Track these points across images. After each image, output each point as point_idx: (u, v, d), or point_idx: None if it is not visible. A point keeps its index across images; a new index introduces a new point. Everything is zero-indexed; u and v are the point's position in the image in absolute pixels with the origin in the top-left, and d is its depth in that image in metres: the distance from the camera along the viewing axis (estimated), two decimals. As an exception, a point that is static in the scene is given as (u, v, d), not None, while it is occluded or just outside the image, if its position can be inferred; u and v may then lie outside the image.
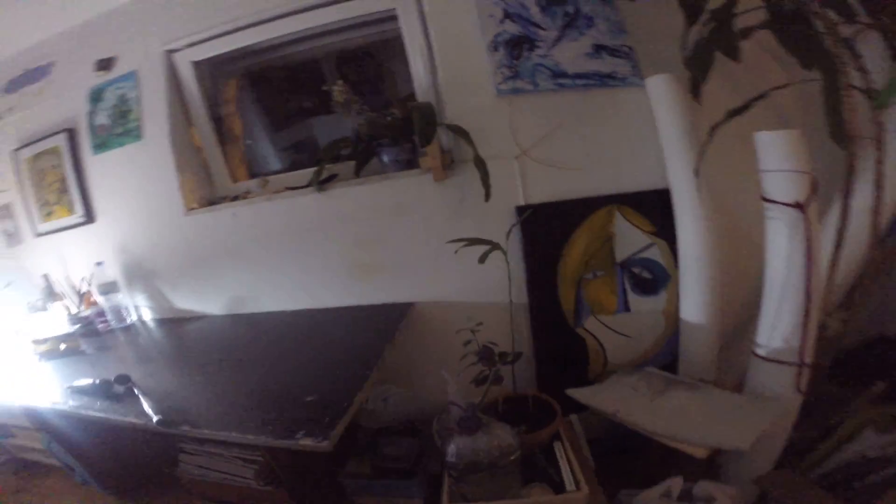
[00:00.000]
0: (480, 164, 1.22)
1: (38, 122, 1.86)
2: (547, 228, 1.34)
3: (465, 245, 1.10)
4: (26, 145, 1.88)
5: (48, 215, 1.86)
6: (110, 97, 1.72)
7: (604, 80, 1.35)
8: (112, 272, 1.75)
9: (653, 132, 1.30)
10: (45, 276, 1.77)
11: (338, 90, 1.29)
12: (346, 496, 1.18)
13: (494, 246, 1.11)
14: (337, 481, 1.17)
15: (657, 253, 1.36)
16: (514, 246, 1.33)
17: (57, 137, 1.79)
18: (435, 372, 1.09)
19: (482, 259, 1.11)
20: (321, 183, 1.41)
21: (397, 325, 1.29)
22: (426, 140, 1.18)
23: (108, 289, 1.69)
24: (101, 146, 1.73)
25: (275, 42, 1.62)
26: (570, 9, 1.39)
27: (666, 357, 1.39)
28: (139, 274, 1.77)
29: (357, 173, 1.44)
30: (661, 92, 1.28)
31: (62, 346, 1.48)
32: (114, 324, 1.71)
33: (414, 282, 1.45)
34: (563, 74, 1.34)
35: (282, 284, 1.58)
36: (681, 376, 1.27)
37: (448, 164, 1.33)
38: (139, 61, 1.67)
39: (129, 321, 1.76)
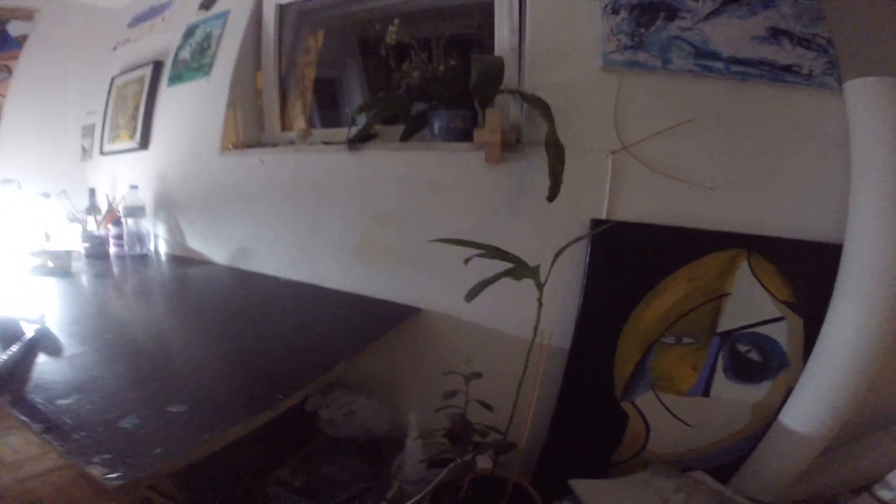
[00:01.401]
0: (555, 148, 0.84)
1: (140, 53, 1.94)
2: (629, 259, 0.92)
3: (480, 255, 0.66)
4: (122, 73, 1.97)
5: (115, 138, 1.90)
6: (199, 34, 1.71)
7: (777, 73, 0.91)
8: (144, 198, 1.71)
9: (836, 157, 0.84)
10: (91, 191, 1.79)
11: (393, 30, 1.03)
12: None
13: (518, 269, 0.64)
14: (262, 484, 0.91)
15: (782, 331, 0.88)
16: (570, 272, 0.93)
17: (146, 68, 1.84)
18: (423, 393, 0.89)
19: (476, 288, 0.65)
20: (354, 142, 1.16)
21: (388, 330, 0.98)
22: (483, 98, 0.85)
23: (134, 213, 1.63)
24: (175, 78, 1.72)
25: None
26: None
27: (726, 457, 0.93)
28: (165, 205, 1.70)
29: (405, 139, 1.16)
30: (873, 102, 0.81)
31: (50, 264, 1.39)
32: (128, 249, 1.63)
33: (426, 282, 1.11)
34: (713, 55, 0.93)
35: (287, 246, 1.36)
36: (737, 496, 0.82)
37: (512, 144, 0.98)
38: (237, 2, 1.65)
39: (144, 250, 1.67)
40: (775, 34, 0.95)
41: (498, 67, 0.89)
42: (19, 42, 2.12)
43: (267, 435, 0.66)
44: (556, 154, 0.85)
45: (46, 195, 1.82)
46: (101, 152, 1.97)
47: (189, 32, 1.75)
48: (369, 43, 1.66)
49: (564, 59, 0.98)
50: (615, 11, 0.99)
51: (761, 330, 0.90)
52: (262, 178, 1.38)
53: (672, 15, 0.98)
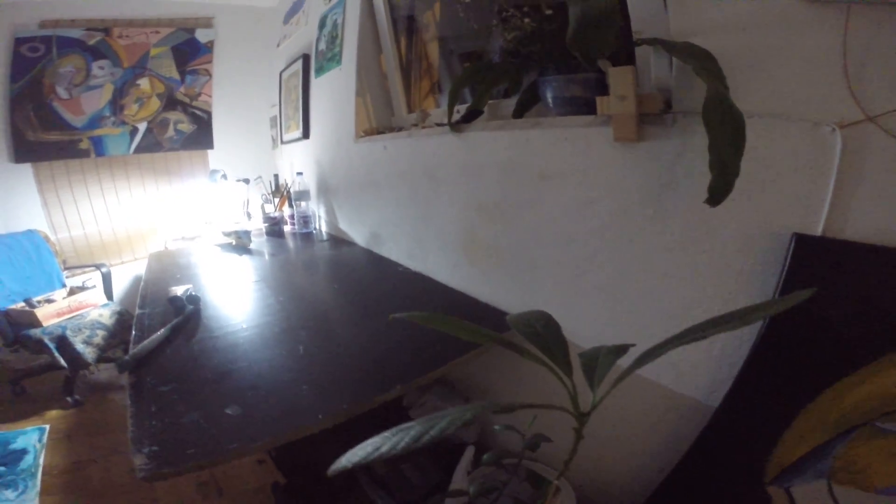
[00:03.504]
0: (723, 116, 0.55)
1: (295, 48, 2.20)
2: (850, 304, 0.56)
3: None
4: (286, 67, 2.28)
5: (288, 128, 2.27)
6: (329, 24, 1.81)
7: None
8: (308, 182, 2.03)
9: None
10: (275, 177, 2.22)
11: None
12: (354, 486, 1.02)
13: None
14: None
15: None
16: (746, 291, 0.64)
17: (299, 62, 2.08)
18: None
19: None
20: (456, 123, 1.07)
21: (481, 342, 0.92)
22: (588, 54, 0.65)
23: (301, 196, 1.98)
24: (319, 70, 1.90)
25: None
26: None
27: None
28: (323, 189, 1.97)
29: (518, 115, 1.03)
30: None
31: (233, 242, 1.81)
32: (298, 228, 2.01)
33: (538, 288, 0.96)
34: None
35: (405, 235, 1.42)
36: None
37: (655, 115, 0.75)
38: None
39: (310, 228, 2.02)
40: None
41: (608, 6, 0.66)
42: (209, 47, 2.61)
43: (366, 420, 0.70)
44: (724, 127, 0.55)
45: (246, 181, 2.35)
46: (282, 141, 2.40)
47: (322, 23, 1.87)
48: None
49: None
50: None
51: None
52: (387, 165, 1.44)
53: None
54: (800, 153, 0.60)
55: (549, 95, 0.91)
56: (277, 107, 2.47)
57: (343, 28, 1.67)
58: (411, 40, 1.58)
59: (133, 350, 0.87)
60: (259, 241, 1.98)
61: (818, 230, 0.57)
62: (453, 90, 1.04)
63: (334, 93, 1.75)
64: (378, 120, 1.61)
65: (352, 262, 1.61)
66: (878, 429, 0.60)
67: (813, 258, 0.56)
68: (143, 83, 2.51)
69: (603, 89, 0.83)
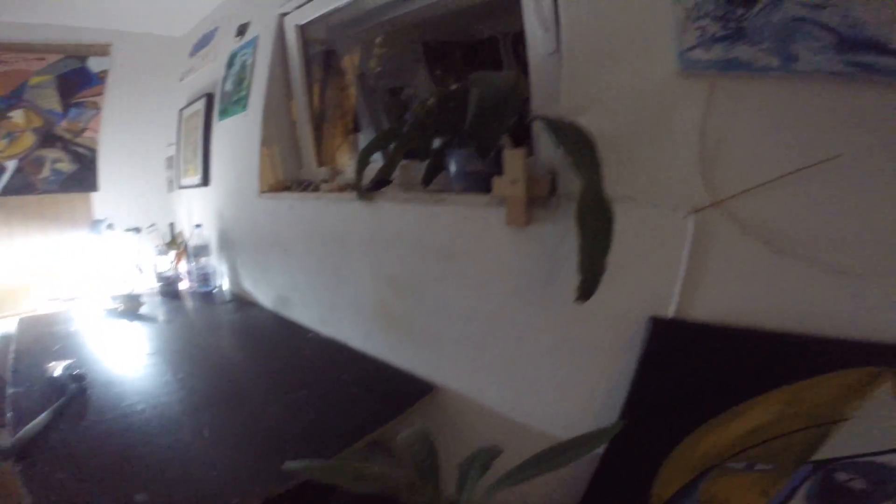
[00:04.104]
0: (595, 215, 0.59)
1: (199, 85, 2.04)
2: (700, 373, 0.64)
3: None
4: (187, 105, 2.10)
5: (187, 172, 2.07)
6: (237, 63, 1.70)
7: None
8: (208, 235, 1.83)
9: None
10: (171, 226, 1.99)
11: (377, 51, 0.84)
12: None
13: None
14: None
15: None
16: (617, 374, 0.71)
17: (201, 101, 1.92)
18: None
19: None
20: (363, 190, 1.02)
21: (399, 412, 0.91)
22: (484, 144, 0.64)
23: (200, 252, 1.77)
24: (223, 112, 1.76)
25: None
26: None
27: None
28: (224, 244, 1.80)
29: (427, 181, 1.00)
30: None
31: (120, 307, 1.58)
32: (197, 286, 1.79)
33: (443, 359, 0.99)
34: (873, 46, 0.57)
35: (317, 301, 1.34)
36: None
37: (544, 198, 0.75)
38: (263, 26, 1.58)
39: (210, 287, 1.82)
40: None
41: (504, 93, 0.65)
42: (101, 77, 2.31)
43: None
44: (595, 231, 0.60)
45: (137, 230, 2.07)
46: (179, 186, 2.17)
47: (230, 62, 1.75)
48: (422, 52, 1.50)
49: (617, 63, 0.69)
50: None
51: (881, 459, 0.58)
52: (294, 226, 1.34)
53: None
54: (659, 238, 0.65)
55: (452, 167, 0.89)
56: (175, 146, 2.25)
57: (252, 70, 1.57)
58: (327, 86, 1.52)
59: (18, 434, 0.80)
60: (152, 303, 1.74)
61: (670, 311, 0.64)
62: (361, 158, 0.99)
63: (238, 140, 1.61)
64: (287, 170, 1.50)
65: (258, 328, 1.47)
66: (727, 468, 0.68)
67: (665, 337, 0.65)
68: (17, 115, 2.16)
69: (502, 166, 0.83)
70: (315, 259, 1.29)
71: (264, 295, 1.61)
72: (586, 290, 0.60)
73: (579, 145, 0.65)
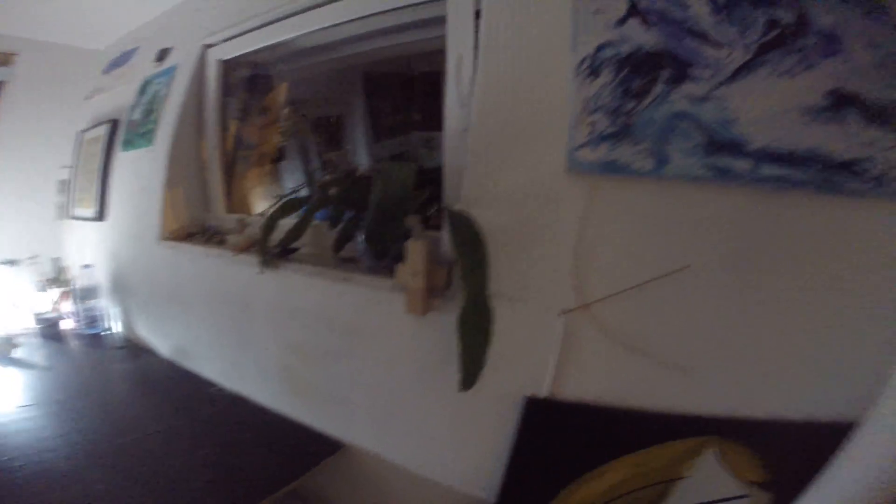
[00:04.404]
0: (475, 320, 0.61)
1: (107, 106, 1.86)
2: (565, 443, 0.74)
3: None
4: (89, 128, 1.90)
5: (81, 202, 1.85)
6: (150, 92, 1.57)
7: (830, 176, 0.59)
8: (99, 276, 1.63)
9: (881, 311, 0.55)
10: (56, 260, 1.75)
11: (288, 123, 0.81)
12: None
13: None
14: None
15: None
16: (503, 438, 0.75)
17: (105, 126, 1.75)
18: None
19: None
20: (268, 258, 0.96)
21: (308, 468, 0.91)
22: (376, 243, 0.62)
23: (88, 294, 1.56)
24: (127, 143, 1.60)
25: (325, 41, 1.25)
26: (790, 15, 0.68)
27: None
28: (120, 286, 1.60)
29: (338, 248, 0.95)
30: None
31: None
32: (84, 329, 1.57)
33: (355, 421, 0.97)
34: (736, 146, 0.62)
35: (219, 356, 1.24)
36: None
37: (443, 288, 0.75)
38: (183, 55, 1.49)
39: (99, 329, 1.60)
40: (839, 102, 0.63)
41: (404, 191, 0.63)
42: None
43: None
44: (476, 331, 0.61)
45: (12, 262, 1.79)
46: (70, 215, 1.92)
47: (143, 89, 1.62)
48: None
49: (519, 154, 0.71)
50: (594, 72, 0.70)
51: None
52: (196, 280, 1.23)
53: (680, 74, 0.68)
54: (537, 333, 0.70)
55: (360, 242, 0.85)
56: (70, 171, 2.00)
57: (164, 103, 1.45)
58: (246, 123, 1.44)
59: None
60: (30, 346, 1.49)
61: (544, 393, 0.71)
62: (267, 224, 0.93)
63: (141, 176, 1.47)
64: (192, 215, 1.38)
65: (155, 378, 1.31)
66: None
67: (539, 413, 0.73)
68: None
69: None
70: (217, 316, 1.19)
71: (163, 343, 1.44)
72: (467, 383, 0.65)
73: (469, 246, 0.65)
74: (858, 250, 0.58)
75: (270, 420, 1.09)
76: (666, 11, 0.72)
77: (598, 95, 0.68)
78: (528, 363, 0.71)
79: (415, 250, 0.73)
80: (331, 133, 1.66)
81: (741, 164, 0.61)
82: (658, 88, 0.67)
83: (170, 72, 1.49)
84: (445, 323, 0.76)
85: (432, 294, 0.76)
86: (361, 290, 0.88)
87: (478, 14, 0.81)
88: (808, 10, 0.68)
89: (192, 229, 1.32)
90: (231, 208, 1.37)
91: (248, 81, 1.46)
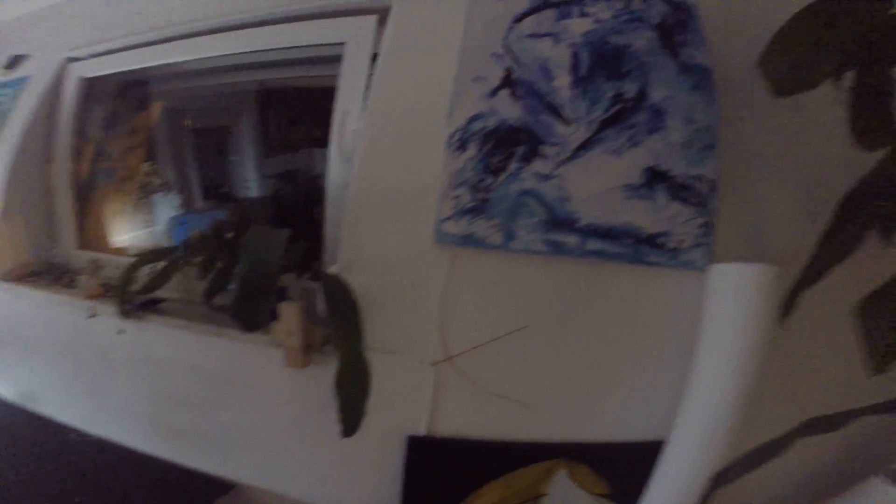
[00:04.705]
0: (352, 376, 0.63)
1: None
2: (448, 472, 0.82)
3: None
4: None
5: None
6: (-11, 101, 1.34)
7: (640, 249, 0.73)
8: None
9: (680, 350, 0.71)
10: None
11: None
12: None
13: None
14: None
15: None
16: (392, 473, 0.81)
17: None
18: None
19: None
20: (130, 308, 0.88)
21: None
22: (244, 317, 0.61)
23: None
24: (-48, 159, 1.35)
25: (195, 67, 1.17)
26: (631, 88, 0.81)
27: None
28: None
29: (209, 296, 0.89)
30: (738, 297, 0.67)
31: None
32: None
33: (243, 461, 0.94)
34: (569, 223, 0.72)
35: (75, 401, 1.09)
36: None
37: (320, 344, 0.75)
38: (42, 65, 1.29)
39: None
40: (652, 179, 0.77)
41: (274, 263, 0.62)
42: None
43: None
44: (352, 388, 0.62)
45: None
46: None
47: (-20, 96, 1.37)
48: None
49: (393, 221, 0.74)
50: (462, 146, 0.77)
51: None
52: (38, 324, 1.07)
53: (533, 150, 0.77)
54: (412, 381, 0.77)
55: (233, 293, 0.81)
56: None
57: (6, 118, 1.24)
58: (107, 145, 1.29)
59: None
60: None
61: (423, 431, 0.78)
62: (123, 279, 0.84)
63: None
64: (36, 251, 1.19)
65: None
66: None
67: (421, 448, 0.80)
68: None
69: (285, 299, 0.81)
70: (69, 363, 1.04)
71: (2, 385, 1.22)
72: (348, 432, 0.68)
73: (343, 313, 0.67)
74: (658, 309, 0.72)
75: (149, 464, 0.99)
76: (534, 83, 0.81)
77: (463, 169, 0.74)
78: (406, 406, 0.78)
79: (289, 313, 0.72)
80: (215, 147, 1.56)
81: (571, 240, 0.71)
82: (513, 165, 0.75)
83: (20, 83, 1.29)
84: (327, 374, 0.76)
85: (310, 350, 0.76)
86: (236, 344, 0.84)
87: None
88: (648, 82, 0.83)
89: (35, 267, 1.15)
90: (84, 243, 1.22)
91: (116, 95, 1.32)
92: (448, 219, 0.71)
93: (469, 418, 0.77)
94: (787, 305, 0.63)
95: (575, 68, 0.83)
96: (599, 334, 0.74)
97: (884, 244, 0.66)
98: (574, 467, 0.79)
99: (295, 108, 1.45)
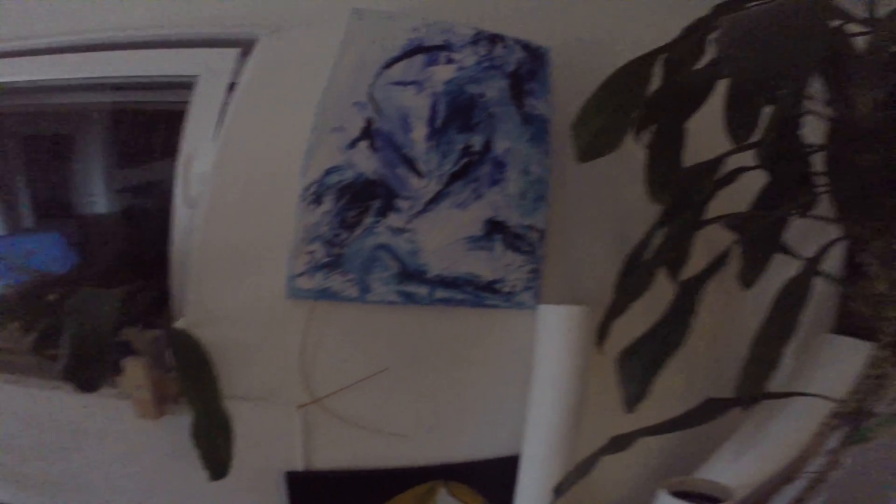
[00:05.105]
0: (212, 430, 0.67)
1: None
2: (335, 502, 0.87)
3: None
4: None
5: None
6: None
7: (480, 295, 0.86)
8: None
9: (523, 378, 0.86)
10: None
11: None
12: None
13: None
14: None
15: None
16: None
17: None
18: None
19: None
20: None
21: None
22: (78, 379, 0.61)
23: None
24: None
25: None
26: (478, 141, 0.91)
27: None
28: None
29: (36, 352, 0.82)
30: (560, 333, 0.84)
31: None
32: None
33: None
34: (419, 275, 0.83)
35: None
36: None
37: (175, 394, 0.76)
38: None
39: None
40: (492, 230, 0.89)
41: (107, 328, 0.62)
42: None
43: None
44: (212, 439, 0.66)
45: None
46: None
47: None
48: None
49: (243, 275, 0.77)
50: (317, 200, 0.81)
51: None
52: None
53: (388, 204, 0.84)
54: (282, 422, 0.80)
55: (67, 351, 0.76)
56: None
57: None
58: None
59: None
60: None
61: (300, 467, 0.82)
62: None
63: None
64: None
65: None
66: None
67: (302, 484, 0.83)
68: None
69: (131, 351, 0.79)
70: None
71: None
72: (216, 476, 0.69)
73: (194, 369, 0.68)
74: (501, 344, 0.88)
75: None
76: (393, 135, 0.86)
77: (318, 224, 0.79)
78: (280, 445, 0.81)
79: (134, 368, 0.71)
80: (53, 156, 1.35)
81: (422, 290, 0.82)
82: (368, 220, 0.81)
83: None
84: (180, 426, 0.75)
85: (164, 401, 0.76)
86: (80, 397, 0.80)
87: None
88: (494, 133, 0.93)
89: None
90: None
91: None
92: (301, 274, 0.76)
93: (347, 451, 0.84)
94: (601, 334, 0.77)
95: (432, 120, 0.89)
96: (454, 369, 0.87)
97: (672, 282, 0.86)
98: (452, 486, 0.90)
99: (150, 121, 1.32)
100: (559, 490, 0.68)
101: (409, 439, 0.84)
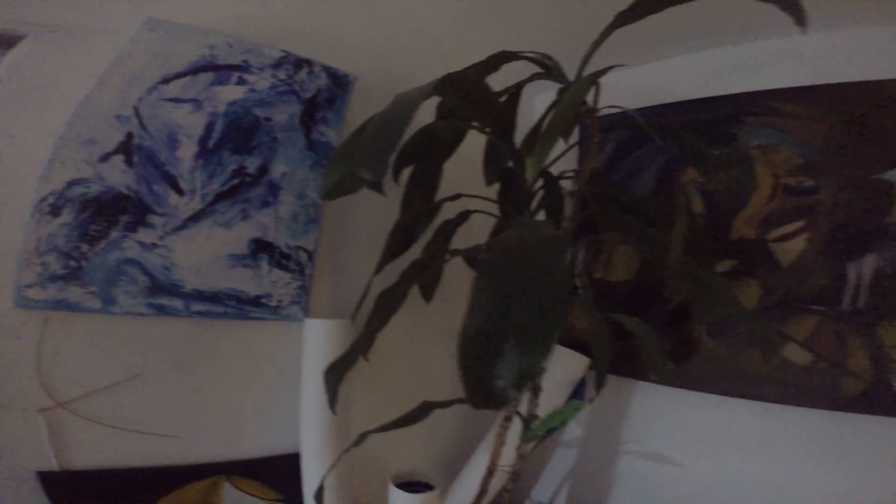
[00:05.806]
0: None
1: None
2: (104, 499, 0.86)
3: None
4: None
5: None
6: None
7: (245, 309, 0.96)
8: None
9: (295, 384, 1.01)
10: None
11: None
12: None
13: None
14: None
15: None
16: None
17: None
18: None
19: None
20: None
21: None
22: None
23: None
24: None
25: None
26: (254, 164, 0.98)
27: None
28: None
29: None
30: (324, 343, 0.97)
31: None
32: None
33: None
34: (174, 289, 0.89)
35: None
36: None
37: None
38: None
39: None
40: (257, 250, 0.97)
41: None
42: None
43: None
44: None
45: None
46: None
47: None
48: None
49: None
50: (55, 211, 0.81)
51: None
52: None
53: (139, 220, 0.87)
54: (24, 426, 0.79)
55: None
56: None
57: None
58: None
59: None
60: None
61: (55, 467, 0.81)
62: None
63: None
64: None
65: None
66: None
67: (61, 483, 0.82)
68: None
69: None
70: None
71: None
72: None
73: None
74: (272, 351, 1.01)
75: None
76: (155, 151, 0.89)
77: (54, 235, 0.79)
78: (27, 448, 0.79)
79: None
80: None
81: (177, 303, 0.89)
82: (114, 234, 0.84)
83: None
84: None
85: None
86: None
87: None
88: (274, 156, 0.99)
89: None
90: None
91: None
92: (33, 285, 0.77)
93: (108, 451, 0.86)
94: (366, 345, 0.83)
95: (204, 139, 0.92)
96: (223, 374, 0.96)
97: (426, 301, 1.04)
98: (236, 480, 0.96)
99: None
100: (317, 497, 0.79)
101: (179, 439, 0.91)
